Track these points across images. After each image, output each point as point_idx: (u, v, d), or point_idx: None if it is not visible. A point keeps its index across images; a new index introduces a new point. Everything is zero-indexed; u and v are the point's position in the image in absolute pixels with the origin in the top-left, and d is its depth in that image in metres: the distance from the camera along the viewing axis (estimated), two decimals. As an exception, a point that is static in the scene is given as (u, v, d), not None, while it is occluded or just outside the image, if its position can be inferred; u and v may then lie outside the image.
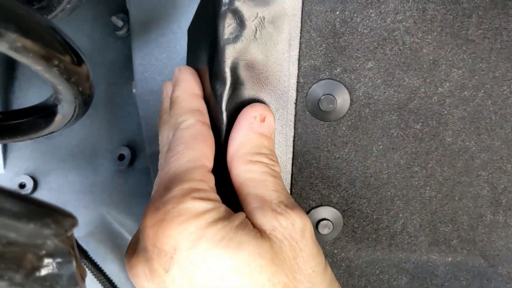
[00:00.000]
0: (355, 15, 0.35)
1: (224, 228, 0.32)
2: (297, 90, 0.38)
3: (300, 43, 0.37)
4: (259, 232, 0.33)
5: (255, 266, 0.31)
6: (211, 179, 0.36)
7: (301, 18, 0.36)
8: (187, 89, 0.40)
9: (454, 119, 0.38)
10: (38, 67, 0.26)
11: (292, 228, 0.33)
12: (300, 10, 0.36)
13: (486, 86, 0.37)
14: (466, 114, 0.38)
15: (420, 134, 0.38)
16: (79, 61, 0.28)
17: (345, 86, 0.37)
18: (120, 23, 0.58)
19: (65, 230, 0.22)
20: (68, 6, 0.39)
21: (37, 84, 0.55)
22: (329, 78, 0.37)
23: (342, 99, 0.38)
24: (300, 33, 0.36)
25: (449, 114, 0.38)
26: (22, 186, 0.55)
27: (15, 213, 0.21)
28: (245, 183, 0.36)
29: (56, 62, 0.26)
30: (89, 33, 0.58)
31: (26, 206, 0.21)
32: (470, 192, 0.40)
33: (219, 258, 0.31)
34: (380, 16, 0.35)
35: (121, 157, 0.59)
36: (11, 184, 0.54)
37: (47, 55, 0.26)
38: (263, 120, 0.37)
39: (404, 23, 0.35)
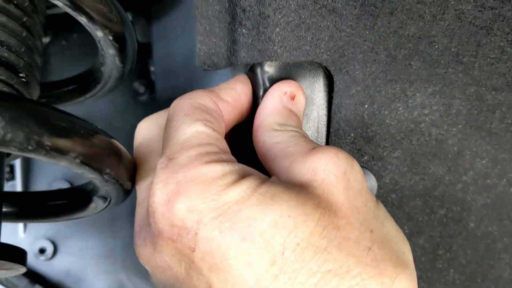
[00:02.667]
0: (383, 108, 0.37)
1: (251, 186, 0.28)
2: None
3: (329, 132, 0.38)
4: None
5: (297, 214, 0.27)
6: (221, 141, 0.31)
7: (329, 109, 0.37)
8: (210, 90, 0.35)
9: (477, 206, 0.39)
10: (91, 175, 0.27)
11: (336, 158, 0.29)
12: (326, 101, 0.37)
13: (508, 175, 0.38)
14: (489, 201, 0.39)
15: (444, 219, 0.39)
16: (129, 166, 0.29)
17: (372, 173, 0.39)
18: (142, 89, 0.59)
19: None
20: (105, 89, 0.40)
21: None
22: None
23: (369, 185, 0.39)
24: (328, 122, 0.38)
25: (472, 200, 0.39)
26: (42, 251, 0.55)
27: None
28: (272, 147, 0.32)
29: (107, 171, 0.27)
30: (110, 97, 0.59)
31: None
32: (492, 274, 0.41)
33: (254, 217, 0.27)
34: (407, 109, 0.37)
35: (140, 220, 0.60)
36: (31, 248, 0.54)
37: (101, 168, 0.27)
38: (293, 97, 0.35)
39: (430, 116, 0.37)
